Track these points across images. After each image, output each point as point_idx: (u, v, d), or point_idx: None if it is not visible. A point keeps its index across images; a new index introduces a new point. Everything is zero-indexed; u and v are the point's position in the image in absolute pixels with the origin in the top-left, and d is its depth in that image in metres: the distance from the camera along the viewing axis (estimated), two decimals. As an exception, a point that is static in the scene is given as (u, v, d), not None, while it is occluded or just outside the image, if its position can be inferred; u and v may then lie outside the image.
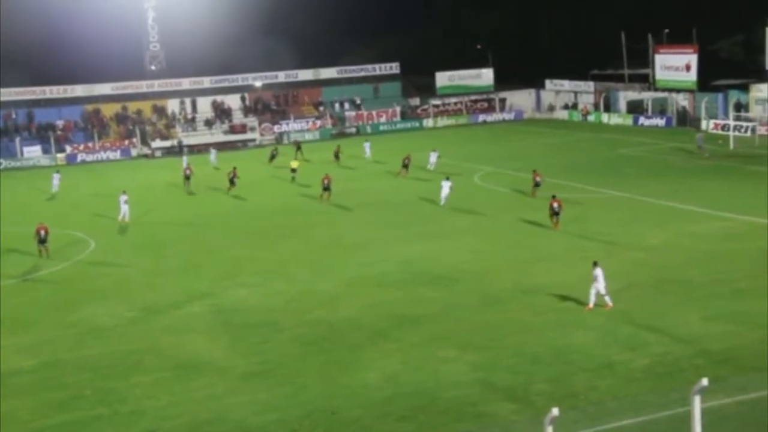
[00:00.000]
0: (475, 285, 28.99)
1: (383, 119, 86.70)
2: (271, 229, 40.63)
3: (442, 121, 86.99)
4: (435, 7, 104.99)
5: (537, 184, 43.48)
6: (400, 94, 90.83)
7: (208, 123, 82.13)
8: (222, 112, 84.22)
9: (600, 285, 25.41)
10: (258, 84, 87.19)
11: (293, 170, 54.20)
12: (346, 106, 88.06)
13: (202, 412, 20.03)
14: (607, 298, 25.46)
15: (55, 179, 55.63)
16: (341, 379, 21.60)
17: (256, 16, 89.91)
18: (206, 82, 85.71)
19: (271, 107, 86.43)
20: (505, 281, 29.07)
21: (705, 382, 13.97)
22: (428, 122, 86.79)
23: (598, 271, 25.48)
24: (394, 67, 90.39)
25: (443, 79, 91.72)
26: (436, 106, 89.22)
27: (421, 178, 52.33)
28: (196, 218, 44.70)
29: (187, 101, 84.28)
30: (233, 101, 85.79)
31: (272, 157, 62.94)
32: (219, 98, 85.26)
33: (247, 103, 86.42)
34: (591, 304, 25.47)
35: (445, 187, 43.28)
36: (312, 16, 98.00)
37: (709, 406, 15.28)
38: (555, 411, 13.47)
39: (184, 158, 63.54)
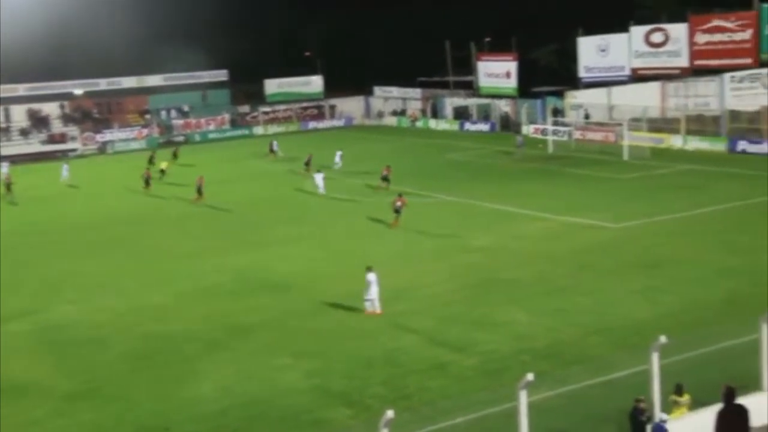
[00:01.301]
0: (308, 292, 28.94)
1: (212, 127, 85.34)
2: (98, 240, 39.12)
3: (273, 129, 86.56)
4: (264, 14, 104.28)
5: (385, 178, 46.56)
6: (229, 102, 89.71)
7: (24, 132, 78.03)
8: (39, 121, 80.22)
9: (373, 291, 25.72)
10: (78, 92, 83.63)
11: (162, 171, 55.74)
12: (173, 114, 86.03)
13: (22, 438, 18.96)
14: (376, 304, 25.79)
15: None
16: (174, 393, 21.02)
17: (77, 23, 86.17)
18: (21, 89, 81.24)
19: (92, 115, 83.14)
20: (338, 287, 29.16)
21: (530, 377, 14.52)
22: (258, 130, 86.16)
23: (371, 277, 25.79)
24: (222, 75, 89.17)
25: (272, 86, 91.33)
26: (266, 113, 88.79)
27: (257, 186, 51.92)
28: (17, 230, 42.37)
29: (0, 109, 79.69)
30: (51, 109, 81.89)
31: (150, 159, 61.55)
32: (35, 106, 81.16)
33: (67, 111, 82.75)
34: (378, 310, 25.82)
35: (318, 178, 47.59)
36: (138, 22, 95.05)
37: (535, 400, 15.87)
38: (390, 413, 13.61)
39: (4, 168, 60.42)
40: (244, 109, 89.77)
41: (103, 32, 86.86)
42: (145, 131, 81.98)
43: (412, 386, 20.47)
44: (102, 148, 77.85)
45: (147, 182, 52.06)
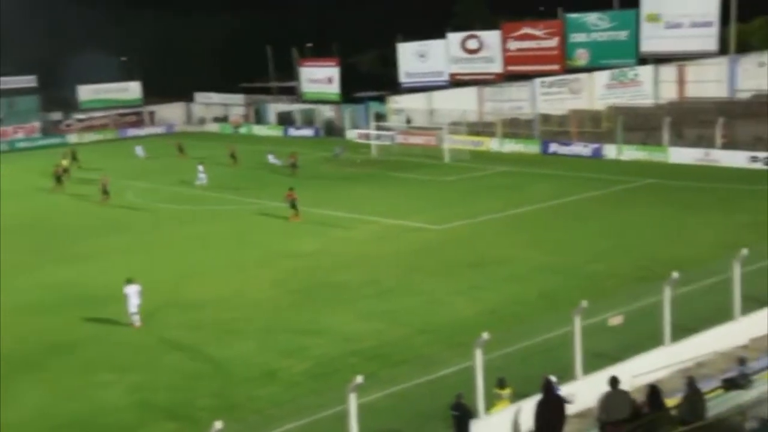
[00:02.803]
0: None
1: (20, 135, 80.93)
2: None
3: (89, 137, 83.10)
4: (74, 17, 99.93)
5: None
6: (39, 109, 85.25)
7: None
8: None
9: (132, 303, 25.26)
10: None
11: (65, 170, 54.54)
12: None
13: None
14: (135, 318, 25.36)
15: None
16: (-17, 419, 19.68)
17: None
18: None
19: None
20: (161, 298, 28.26)
21: (359, 379, 14.61)
22: (72, 137, 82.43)
23: (130, 289, 25.39)
24: (30, 80, 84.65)
25: (87, 92, 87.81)
26: (81, 120, 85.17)
27: (71, 197, 49.66)
28: None
29: None
30: None
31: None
32: None
33: None
34: (137, 324, 25.38)
35: (200, 170, 49.84)
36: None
37: (364, 402, 15.98)
38: (218, 425, 13.30)
39: None
40: (57, 116, 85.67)
41: None
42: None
43: (241, 395, 20.15)
44: None
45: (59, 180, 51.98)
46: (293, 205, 39.39)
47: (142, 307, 25.53)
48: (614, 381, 14.58)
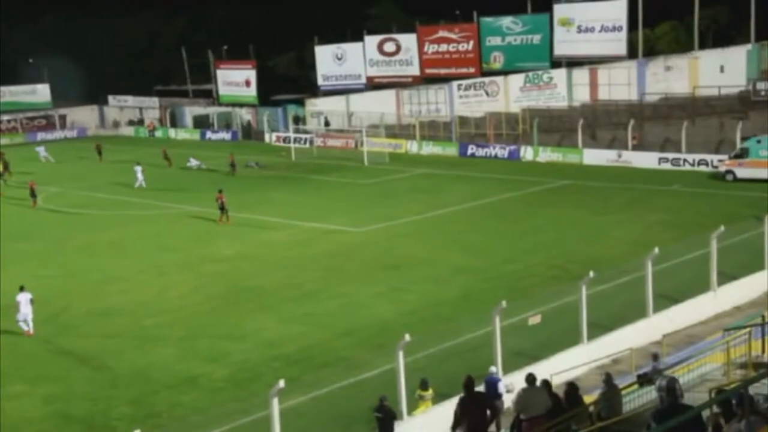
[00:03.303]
0: (43, 313, 27.04)
1: (-76, 139, 78.05)
2: None
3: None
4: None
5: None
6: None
7: None
8: None
9: (22, 311, 24.86)
10: None
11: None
12: None
13: None
14: (24, 326, 24.94)
15: None
16: None
17: None
18: None
19: None
20: (76, 306, 27.65)
21: (281, 383, 14.56)
22: (-21, 141, 79.79)
23: (22, 297, 24.97)
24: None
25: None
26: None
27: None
28: None
29: None
30: None
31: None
32: None
33: None
34: (31, 331, 24.98)
35: (138, 171, 49.94)
36: None
37: (287, 406, 15.93)
38: (137, 433, 13.11)
39: None
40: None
41: None
42: None
43: (161, 403, 19.84)
44: None
45: None
46: (222, 208, 39.00)
47: (36, 315, 24.94)
48: (531, 378, 14.85)
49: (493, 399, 16.39)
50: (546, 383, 15.26)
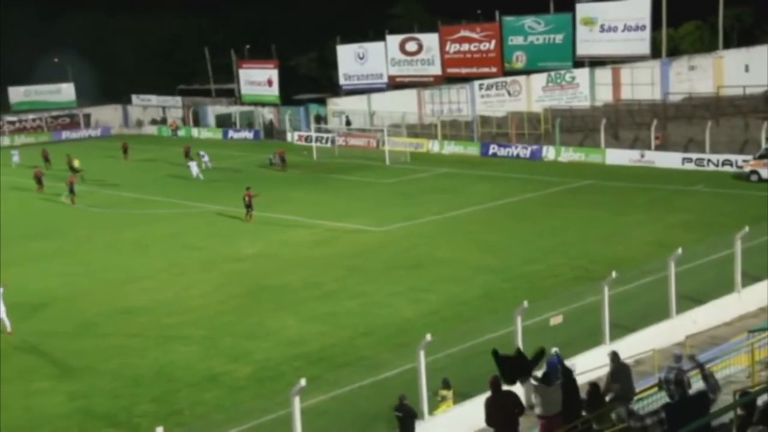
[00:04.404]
0: (67, 311, 27.42)
1: (-50, 138, 78.98)
2: None
3: (21, 139, 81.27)
4: (5, 16, 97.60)
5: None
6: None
7: None
8: None
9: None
10: None
11: (76, 170, 53.59)
12: None
13: None
14: (6, 323, 25.18)
15: None
16: None
17: None
18: None
19: None
20: (100, 304, 27.88)
21: (303, 382, 14.60)
22: (5, 140, 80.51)
23: None
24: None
25: (18, 94, 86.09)
26: (12, 123, 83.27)
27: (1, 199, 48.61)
28: None
29: None
30: None
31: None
32: None
33: None
34: (9, 329, 25.17)
35: (193, 166, 51.93)
36: None
37: (308, 405, 15.98)
38: (159, 431, 13.19)
39: None
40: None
41: None
42: None
43: (184, 401, 19.95)
44: None
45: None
46: (248, 205, 39.09)
47: (60, 313, 25.09)
48: (547, 377, 14.84)
49: (557, 380, 16.58)
50: (567, 373, 15.26)
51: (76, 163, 55.09)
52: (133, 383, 21.20)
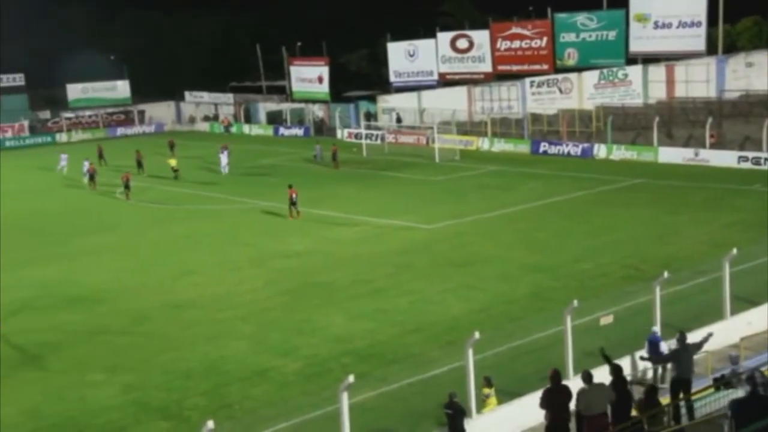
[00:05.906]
0: (120, 304, 27.87)
1: (9, 134, 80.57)
2: None
3: (78, 135, 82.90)
4: (64, 15, 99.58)
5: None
6: (28, 108, 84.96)
7: None
8: None
9: None
10: None
11: (174, 170, 53.57)
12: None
13: None
14: None
15: None
16: (-27, 420, 19.63)
17: None
18: None
19: None
20: (152, 298, 28.30)
21: (351, 378, 14.64)
22: (62, 137, 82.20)
23: None
24: (18, 79, 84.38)
25: (75, 91, 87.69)
26: (69, 119, 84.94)
27: (58, 194, 49.56)
28: None
29: None
30: None
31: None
32: None
33: None
34: None
35: (223, 158, 53.53)
36: None
37: (356, 401, 16.03)
38: (210, 424, 13.32)
39: None
40: (45, 115, 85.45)
41: None
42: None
43: (233, 395, 20.15)
44: None
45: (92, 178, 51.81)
46: (293, 203, 39.37)
47: (112, 306, 25.46)
48: (588, 376, 14.76)
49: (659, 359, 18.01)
50: (616, 369, 15.26)
51: (173, 163, 54.41)
52: (185, 377, 21.47)
